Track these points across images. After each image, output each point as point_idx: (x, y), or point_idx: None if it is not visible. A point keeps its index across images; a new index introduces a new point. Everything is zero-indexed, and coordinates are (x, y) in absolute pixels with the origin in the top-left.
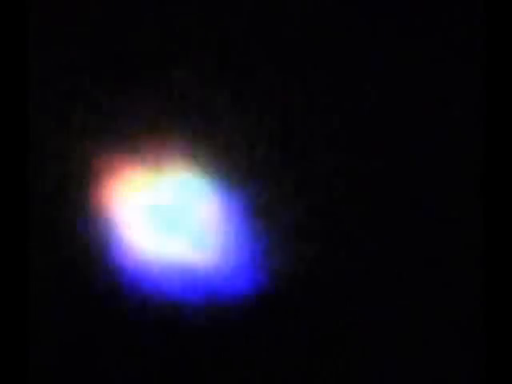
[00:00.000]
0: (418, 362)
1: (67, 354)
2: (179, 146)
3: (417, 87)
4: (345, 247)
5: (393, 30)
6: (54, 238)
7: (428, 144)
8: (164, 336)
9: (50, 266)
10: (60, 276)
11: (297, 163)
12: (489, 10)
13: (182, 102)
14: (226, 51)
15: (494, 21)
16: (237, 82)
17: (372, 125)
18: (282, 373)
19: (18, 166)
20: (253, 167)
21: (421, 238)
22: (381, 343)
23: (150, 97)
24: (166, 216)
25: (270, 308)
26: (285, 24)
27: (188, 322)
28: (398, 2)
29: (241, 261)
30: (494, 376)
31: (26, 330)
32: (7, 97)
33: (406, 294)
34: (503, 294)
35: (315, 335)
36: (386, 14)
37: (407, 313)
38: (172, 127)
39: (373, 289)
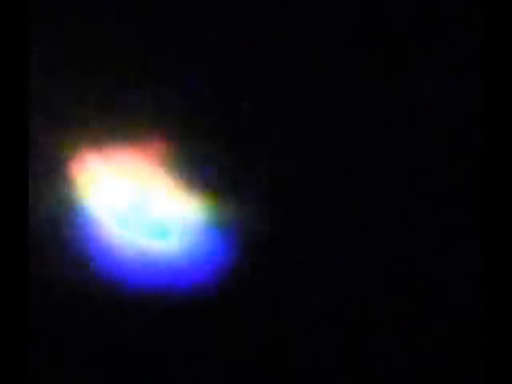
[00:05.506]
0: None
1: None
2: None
3: (416, 86)
4: (338, 247)
5: (392, 29)
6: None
7: (427, 144)
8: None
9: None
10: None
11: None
12: (486, 10)
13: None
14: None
15: (491, 20)
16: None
17: (370, 124)
18: (242, 364)
19: (17, 165)
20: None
21: (419, 238)
22: (377, 343)
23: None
24: (131, 211)
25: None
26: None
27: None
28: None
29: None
30: (493, 375)
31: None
32: (7, 94)
33: (404, 294)
34: (503, 296)
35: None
36: (385, 13)
37: (404, 313)
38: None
39: (368, 289)
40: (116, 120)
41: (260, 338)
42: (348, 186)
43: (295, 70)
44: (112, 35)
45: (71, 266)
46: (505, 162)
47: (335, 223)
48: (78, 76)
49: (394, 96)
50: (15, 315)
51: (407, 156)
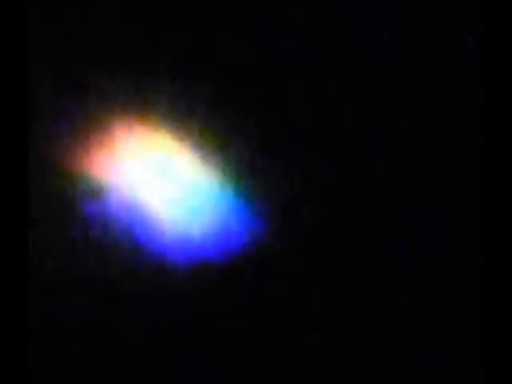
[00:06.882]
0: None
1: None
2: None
3: (415, 86)
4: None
5: (393, 28)
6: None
7: (427, 144)
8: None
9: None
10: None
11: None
12: (486, 10)
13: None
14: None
15: (491, 20)
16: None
17: (371, 124)
18: (268, 333)
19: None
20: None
21: (419, 238)
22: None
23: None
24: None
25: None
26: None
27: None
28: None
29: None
30: (493, 375)
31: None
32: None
33: (404, 294)
34: (503, 296)
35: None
36: (385, 12)
37: (404, 313)
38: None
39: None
40: (118, 119)
41: (259, 337)
42: (348, 185)
43: (295, 70)
44: (112, 35)
45: (73, 259)
46: (505, 161)
47: (335, 223)
48: (77, 75)
49: (394, 96)
50: (15, 315)
51: (407, 156)
